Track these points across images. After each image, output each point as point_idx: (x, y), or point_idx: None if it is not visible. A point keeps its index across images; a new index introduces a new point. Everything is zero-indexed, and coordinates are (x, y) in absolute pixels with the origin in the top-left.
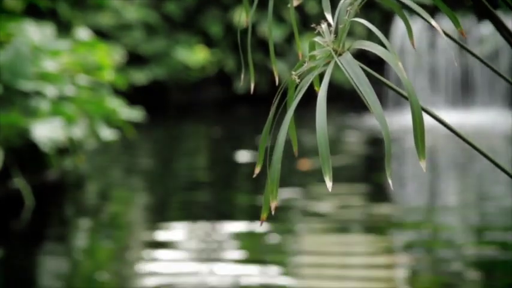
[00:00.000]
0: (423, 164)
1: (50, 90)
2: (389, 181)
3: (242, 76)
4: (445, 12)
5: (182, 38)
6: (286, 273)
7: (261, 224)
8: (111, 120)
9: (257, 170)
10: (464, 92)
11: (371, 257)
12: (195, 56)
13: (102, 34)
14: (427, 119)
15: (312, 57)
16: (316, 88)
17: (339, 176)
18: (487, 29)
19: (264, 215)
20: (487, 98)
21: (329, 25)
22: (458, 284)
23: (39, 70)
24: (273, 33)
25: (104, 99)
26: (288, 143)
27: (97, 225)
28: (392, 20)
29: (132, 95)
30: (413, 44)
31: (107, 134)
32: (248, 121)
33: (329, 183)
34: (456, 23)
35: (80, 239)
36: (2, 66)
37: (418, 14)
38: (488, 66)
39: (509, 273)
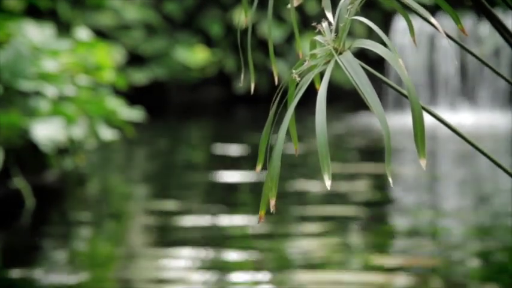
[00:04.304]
0: (423, 163)
1: (50, 90)
2: (390, 179)
3: (242, 76)
4: (445, 9)
5: (182, 38)
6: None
7: (260, 221)
8: (111, 120)
9: (258, 169)
10: (464, 91)
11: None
12: (195, 56)
13: (102, 34)
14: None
15: (313, 56)
16: (316, 85)
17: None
18: (486, 29)
19: (262, 212)
20: (488, 98)
21: (330, 24)
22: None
23: (39, 70)
24: (273, 33)
25: (104, 99)
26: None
27: (97, 226)
28: (392, 20)
29: (132, 95)
30: (414, 41)
31: (107, 134)
32: (248, 121)
33: (328, 182)
34: (457, 21)
35: (81, 239)
36: (2, 66)
37: (418, 14)
38: (487, 66)
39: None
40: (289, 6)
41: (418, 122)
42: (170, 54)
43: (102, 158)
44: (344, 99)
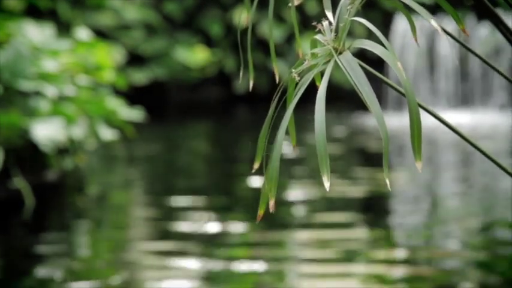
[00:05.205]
0: (419, 165)
1: (50, 90)
2: (387, 180)
3: (241, 74)
4: (446, 9)
5: (182, 38)
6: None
7: (258, 221)
8: (111, 120)
9: (256, 166)
10: (464, 91)
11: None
12: (195, 56)
13: (102, 34)
14: (430, 119)
15: (313, 56)
16: (317, 83)
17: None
18: (487, 28)
19: (260, 212)
20: (488, 98)
21: (330, 23)
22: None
23: (39, 70)
24: (273, 33)
25: (104, 99)
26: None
27: (97, 226)
28: (392, 20)
29: (132, 95)
30: (416, 40)
31: (107, 134)
32: (248, 121)
33: (327, 183)
34: (458, 21)
35: (80, 239)
36: (2, 66)
37: (418, 13)
38: (489, 65)
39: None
40: (290, 5)
41: (415, 124)
42: (170, 54)
43: (102, 158)
44: (345, 99)
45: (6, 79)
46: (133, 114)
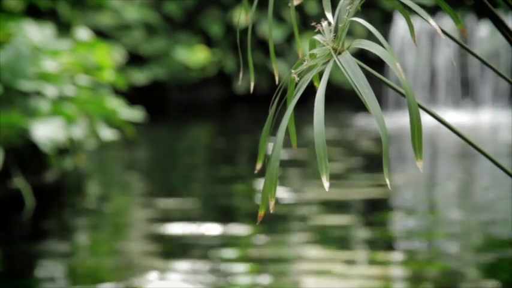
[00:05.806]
0: (420, 164)
1: (50, 90)
2: (387, 180)
3: (241, 75)
4: (445, 10)
5: (182, 38)
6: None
7: (259, 222)
8: (111, 120)
9: (258, 167)
10: (463, 91)
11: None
12: (195, 56)
13: (102, 34)
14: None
15: (312, 56)
16: (316, 84)
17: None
18: (487, 28)
19: (261, 212)
20: (488, 98)
21: (329, 24)
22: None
23: (39, 70)
24: (273, 33)
25: (104, 99)
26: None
27: (97, 226)
28: (392, 20)
29: (132, 95)
30: (414, 41)
31: (107, 134)
32: (248, 121)
33: (326, 183)
34: (457, 21)
35: (80, 240)
36: (2, 66)
37: (418, 13)
38: (488, 65)
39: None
40: (290, 5)
41: (415, 124)
42: (170, 54)
43: (102, 158)
44: (346, 99)
45: (6, 79)
46: (133, 114)
